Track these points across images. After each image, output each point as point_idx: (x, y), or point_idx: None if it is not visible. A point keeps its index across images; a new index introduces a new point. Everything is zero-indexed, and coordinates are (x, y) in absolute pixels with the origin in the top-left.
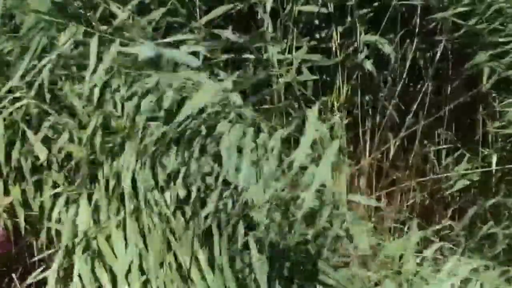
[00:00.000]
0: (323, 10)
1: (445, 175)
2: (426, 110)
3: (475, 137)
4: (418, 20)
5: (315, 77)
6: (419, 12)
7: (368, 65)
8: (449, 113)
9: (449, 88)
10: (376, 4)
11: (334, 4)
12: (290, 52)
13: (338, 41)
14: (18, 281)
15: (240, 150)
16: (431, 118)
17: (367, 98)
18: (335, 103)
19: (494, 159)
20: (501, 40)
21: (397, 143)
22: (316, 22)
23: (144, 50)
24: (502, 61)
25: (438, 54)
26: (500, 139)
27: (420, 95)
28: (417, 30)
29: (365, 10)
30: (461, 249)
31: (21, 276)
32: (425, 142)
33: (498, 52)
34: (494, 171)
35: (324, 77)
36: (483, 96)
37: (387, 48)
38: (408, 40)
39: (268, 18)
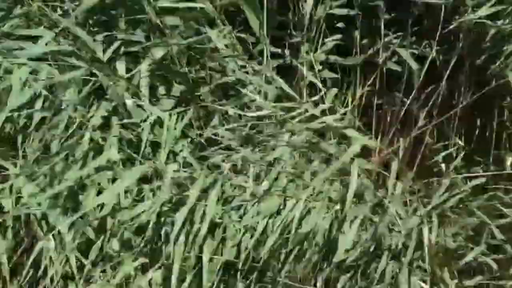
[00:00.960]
0: (352, 12)
1: (452, 177)
2: (438, 111)
3: (489, 139)
4: (441, 19)
5: (335, 75)
6: (443, 13)
7: (391, 65)
8: (462, 114)
9: (462, 89)
10: (399, 5)
11: (360, 7)
12: (315, 48)
13: (359, 41)
14: None
15: None
16: (442, 118)
17: (383, 99)
18: (349, 102)
19: (509, 161)
20: None
21: (407, 143)
22: (340, 24)
23: None
24: None
25: (455, 58)
26: None
27: (434, 96)
28: (438, 33)
29: (390, 13)
30: None
31: None
32: (435, 143)
33: None
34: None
35: (345, 75)
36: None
37: (405, 54)
38: (427, 42)
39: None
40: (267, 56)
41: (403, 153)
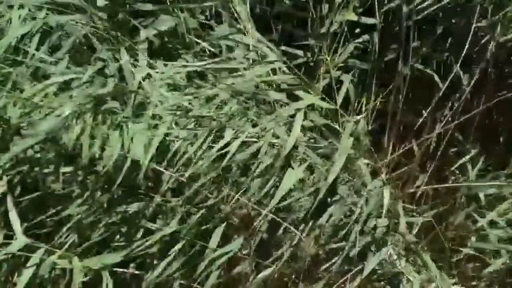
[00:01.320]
0: (374, 21)
1: (465, 184)
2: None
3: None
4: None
5: (351, 77)
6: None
7: (407, 71)
8: (482, 123)
9: (483, 99)
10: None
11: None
12: (334, 51)
13: (378, 47)
14: None
15: None
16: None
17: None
18: (363, 106)
19: None
20: None
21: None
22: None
23: None
24: None
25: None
26: None
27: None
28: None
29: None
30: None
31: None
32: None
33: None
34: None
35: (362, 80)
36: None
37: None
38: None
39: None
40: (252, 37)
41: (417, 158)
